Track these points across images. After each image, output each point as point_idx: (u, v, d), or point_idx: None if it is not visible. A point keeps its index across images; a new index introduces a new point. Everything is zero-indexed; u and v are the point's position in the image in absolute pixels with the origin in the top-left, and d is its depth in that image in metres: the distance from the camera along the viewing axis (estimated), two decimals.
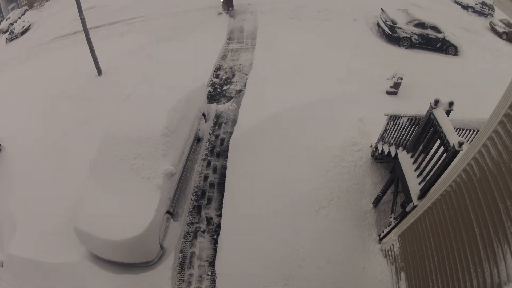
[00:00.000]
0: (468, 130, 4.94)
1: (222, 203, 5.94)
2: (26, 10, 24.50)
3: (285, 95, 8.42)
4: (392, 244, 4.74)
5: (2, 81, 12.06)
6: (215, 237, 5.56)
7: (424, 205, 4.01)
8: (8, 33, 19.89)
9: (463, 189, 3.32)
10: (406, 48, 12.21)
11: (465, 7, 18.75)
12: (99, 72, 10.56)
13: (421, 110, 4.62)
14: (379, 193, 5.60)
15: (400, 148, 5.16)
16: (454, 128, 3.88)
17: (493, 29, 15.88)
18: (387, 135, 5.93)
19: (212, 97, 8.90)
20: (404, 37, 12.15)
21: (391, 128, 5.82)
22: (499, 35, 15.39)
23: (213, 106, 8.43)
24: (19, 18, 22.54)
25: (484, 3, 18.55)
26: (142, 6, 16.83)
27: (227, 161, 6.74)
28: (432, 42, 12.20)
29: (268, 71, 9.58)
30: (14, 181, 6.68)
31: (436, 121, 3.98)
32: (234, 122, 7.80)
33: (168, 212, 5.36)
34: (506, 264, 2.55)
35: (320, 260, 5.02)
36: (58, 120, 8.40)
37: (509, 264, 2.53)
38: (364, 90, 8.78)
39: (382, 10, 13.15)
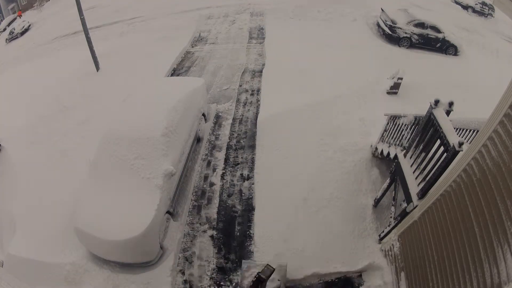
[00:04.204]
0: (468, 130, 4.93)
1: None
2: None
3: (284, 95, 8.42)
4: (392, 244, 4.74)
5: (2, 81, 12.07)
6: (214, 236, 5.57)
7: (424, 205, 4.00)
8: (8, 33, 19.92)
9: (463, 189, 3.32)
10: (406, 48, 12.21)
11: (465, 7, 18.77)
12: (99, 71, 10.56)
13: (421, 110, 4.61)
14: (379, 193, 5.59)
15: (400, 148, 5.16)
16: (454, 128, 3.88)
17: None
18: (387, 135, 5.92)
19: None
20: (404, 37, 12.15)
21: (391, 128, 5.81)
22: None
23: (213, 106, 8.43)
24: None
25: (484, 3, 18.57)
26: (142, 6, 16.84)
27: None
28: (432, 42, 12.21)
29: (267, 71, 9.59)
30: (14, 181, 6.68)
31: (436, 121, 3.98)
32: (235, 121, 7.82)
33: (168, 212, 5.36)
34: (506, 264, 2.55)
35: (321, 260, 5.01)
36: (58, 120, 8.40)
37: (509, 264, 2.52)
38: (364, 90, 8.78)
39: (382, 10, 13.15)
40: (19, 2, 27.66)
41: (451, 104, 4.17)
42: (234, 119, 7.96)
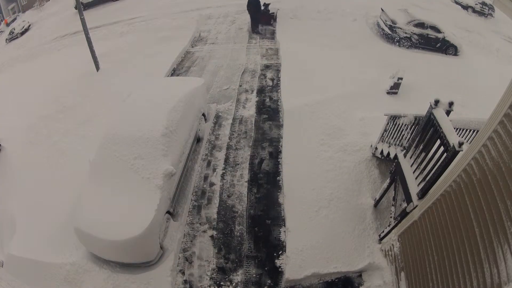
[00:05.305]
0: (468, 130, 4.93)
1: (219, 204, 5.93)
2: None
3: (284, 95, 8.42)
4: (392, 244, 4.74)
5: (2, 81, 12.07)
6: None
7: (424, 205, 4.00)
8: (8, 33, 19.94)
9: (463, 189, 3.32)
10: (406, 48, 12.21)
11: (465, 7, 18.74)
12: (99, 71, 10.56)
13: (421, 110, 4.61)
14: (379, 193, 5.59)
15: (400, 148, 5.16)
16: (454, 128, 3.88)
17: None
18: (387, 135, 5.92)
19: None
20: (404, 37, 12.14)
21: (391, 128, 5.81)
22: None
23: (213, 106, 8.43)
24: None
25: (484, 3, 18.55)
26: (142, 6, 16.84)
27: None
28: (432, 42, 12.20)
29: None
30: (14, 181, 6.68)
31: (436, 121, 3.98)
32: (235, 121, 7.81)
33: (168, 212, 5.36)
34: (506, 264, 2.55)
35: (321, 260, 5.01)
36: (58, 120, 8.40)
37: (509, 264, 2.52)
38: (364, 90, 8.77)
39: (382, 10, 13.15)
40: (19, 2, 27.64)
41: (451, 104, 4.17)
42: (234, 119, 7.96)
